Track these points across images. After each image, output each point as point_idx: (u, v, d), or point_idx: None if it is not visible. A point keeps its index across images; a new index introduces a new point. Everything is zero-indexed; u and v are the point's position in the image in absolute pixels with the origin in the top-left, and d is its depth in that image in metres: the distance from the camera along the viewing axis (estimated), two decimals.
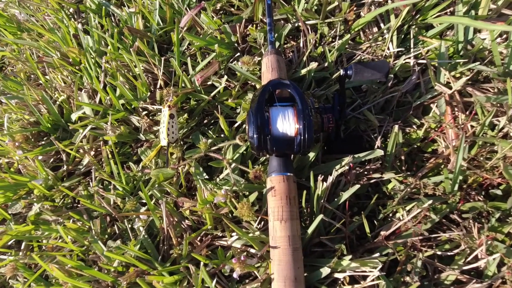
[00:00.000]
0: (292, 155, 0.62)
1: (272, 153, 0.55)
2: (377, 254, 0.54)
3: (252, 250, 0.59)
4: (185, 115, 0.74)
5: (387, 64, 0.54)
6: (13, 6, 1.03)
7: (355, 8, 0.75)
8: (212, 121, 0.76)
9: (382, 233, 0.59)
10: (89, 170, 0.77)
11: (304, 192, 0.57)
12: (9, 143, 0.75)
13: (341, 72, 0.56)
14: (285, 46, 0.78)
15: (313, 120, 0.53)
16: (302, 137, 0.53)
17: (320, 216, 0.53)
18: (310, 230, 0.55)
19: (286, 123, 0.53)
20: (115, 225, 0.70)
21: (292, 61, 0.75)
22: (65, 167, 0.76)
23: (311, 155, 0.62)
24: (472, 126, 0.63)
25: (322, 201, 0.58)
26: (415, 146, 0.67)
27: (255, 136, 0.53)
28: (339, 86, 0.59)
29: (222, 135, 0.73)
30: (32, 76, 0.94)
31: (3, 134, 0.77)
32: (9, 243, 0.74)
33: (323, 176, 0.57)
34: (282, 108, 0.55)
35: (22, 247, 0.73)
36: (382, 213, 0.61)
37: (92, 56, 0.81)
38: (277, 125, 0.54)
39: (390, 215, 0.62)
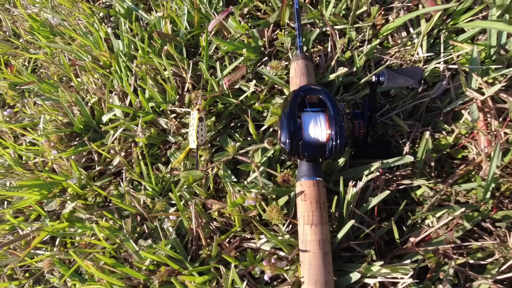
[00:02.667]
0: (321, 160, 0.62)
1: (303, 158, 0.56)
2: (408, 261, 0.54)
3: (281, 253, 0.60)
4: (213, 118, 0.76)
5: (420, 70, 0.54)
6: (46, 11, 1.07)
7: (383, 12, 0.75)
8: (239, 124, 0.77)
9: (412, 239, 0.58)
10: (119, 171, 0.80)
11: (335, 197, 0.58)
12: (45, 143, 0.79)
13: (373, 78, 0.56)
14: (312, 50, 0.78)
15: (345, 126, 0.54)
16: (334, 143, 0.53)
17: (351, 222, 0.54)
18: (340, 235, 0.56)
19: (318, 129, 0.54)
20: (145, 225, 0.72)
21: (319, 66, 0.76)
22: (96, 167, 0.79)
23: (341, 160, 0.62)
24: (505, 133, 0.62)
25: (351, 206, 0.58)
26: (445, 152, 0.66)
27: (287, 141, 0.53)
28: (370, 92, 0.59)
29: (249, 138, 0.74)
30: (64, 78, 0.98)
31: (39, 135, 0.81)
32: (44, 239, 0.77)
33: (353, 182, 0.57)
34: (314, 114, 0.55)
35: (57, 243, 0.76)
36: (411, 219, 0.61)
37: (123, 60, 0.83)
38: (309, 130, 0.54)
39: (419, 221, 0.62)
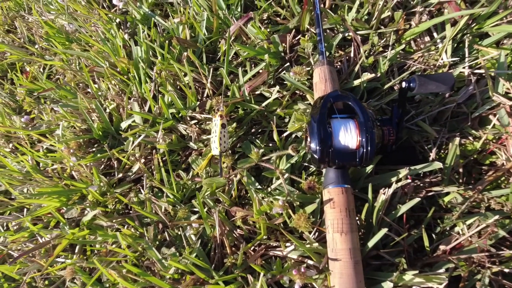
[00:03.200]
0: (349, 167, 0.62)
1: (333, 165, 0.55)
2: (442, 270, 0.53)
3: (309, 262, 0.59)
4: (234, 124, 0.75)
5: (452, 76, 0.53)
6: (62, 18, 1.07)
7: (404, 16, 0.74)
8: (260, 130, 0.76)
9: (443, 247, 0.57)
10: (138, 177, 0.79)
11: (366, 205, 0.57)
12: (65, 150, 0.78)
13: (404, 84, 0.56)
14: (332, 55, 0.78)
15: (375, 133, 0.53)
16: (364, 150, 0.52)
17: (384, 230, 0.53)
18: (371, 244, 0.55)
19: (349, 136, 0.53)
20: (166, 232, 0.71)
21: (340, 71, 0.75)
22: (116, 174, 0.79)
23: (369, 167, 0.61)
24: None
25: (380, 213, 0.57)
26: (471, 158, 0.65)
27: (318, 148, 0.53)
28: (400, 98, 0.58)
29: (270, 144, 0.73)
30: (80, 84, 0.98)
31: (59, 142, 0.81)
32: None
33: (384, 189, 0.56)
34: (344, 121, 0.55)
35: (76, 250, 0.76)
36: (441, 226, 0.60)
37: (142, 66, 0.83)
38: (339, 137, 0.54)
39: (448, 228, 0.61)
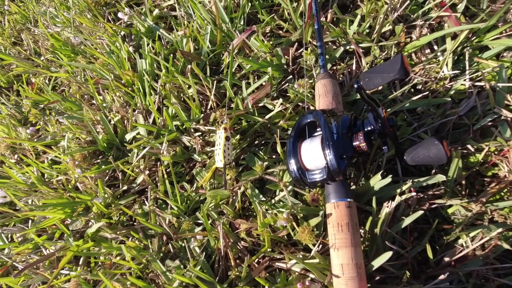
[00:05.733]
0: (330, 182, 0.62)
1: (310, 185, 0.57)
2: (447, 283, 0.53)
3: (312, 275, 0.59)
4: (238, 136, 0.76)
5: (398, 58, 0.48)
6: (68, 30, 1.09)
7: (405, 30, 0.75)
8: (263, 142, 0.77)
9: (446, 259, 0.57)
10: (143, 189, 0.80)
11: (370, 218, 0.57)
12: (70, 162, 0.79)
13: (355, 85, 0.52)
14: (335, 67, 0.79)
15: (340, 143, 0.54)
16: (329, 164, 0.53)
17: (389, 253, 0.52)
18: (376, 264, 0.54)
19: (315, 154, 0.56)
20: (170, 244, 0.71)
21: (343, 84, 0.76)
22: (121, 185, 0.79)
23: (373, 181, 0.61)
24: None
25: (384, 226, 0.58)
26: (474, 169, 0.66)
27: (291, 170, 0.57)
28: (361, 99, 0.56)
29: (274, 156, 0.74)
30: (85, 96, 0.99)
31: (64, 154, 0.82)
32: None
33: (388, 202, 0.57)
34: (310, 140, 0.58)
35: (80, 262, 0.76)
36: (445, 239, 0.60)
37: (146, 78, 0.84)
38: (307, 157, 0.57)
39: (452, 240, 0.61)
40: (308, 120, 0.60)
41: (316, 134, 0.61)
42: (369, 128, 0.57)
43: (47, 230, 0.82)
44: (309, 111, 0.63)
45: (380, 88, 0.72)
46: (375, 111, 0.55)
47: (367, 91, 0.54)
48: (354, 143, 0.56)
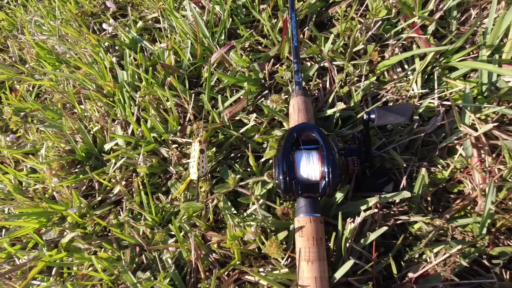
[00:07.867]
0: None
1: (298, 196, 0.57)
2: None
3: None
4: (213, 149, 0.77)
5: (410, 107, 0.56)
6: (53, 39, 1.10)
7: (378, 48, 0.78)
8: (239, 155, 0.78)
9: (410, 275, 0.59)
10: (119, 199, 0.80)
11: (333, 234, 0.58)
12: (47, 171, 0.79)
13: (365, 116, 0.58)
14: (310, 83, 0.81)
15: (338, 163, 0.55)
16: (326, 181, 0.55)
17: (351, 262, 0.54)
18: (338, 275, 0.56)
19: (311, 167, 0.56)
20: (143, 255, 0.72)
21: (318, 99, 0.78)
22: (97, 195, 0.80)
23: (339, 195, 0.63)
24: (499, 169, 0.63)
25: (349, 241, 0.59)
26: (441, 186, 0.68)
27: (281, 180, 0.55)
28: (364, 128, 0.61)
29: (249, 169, 0.75)
30: (67, 105, 1.00)
31: (42, 162, 0.82)
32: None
33: (352, 218, 0.58)
34: (307, 152, 0.57)
35: (53, 272, 0.76)
36: (409, 254, 0.61)
37: (126, 89, 0.85)
38: (302, 169, 0.56)
39: (417, 256, 0.62)
40: (305, 133, 0.60)
41: (310, 146, 0.60)
42: (356, 156, 0.61)
43: (22, 239, 0.82)
44: (304, 123, 0.63)
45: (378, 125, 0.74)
46: (369, 142, 0.62)
47: (372, 125, 0.60)
48: (349, 166, 0.59)
